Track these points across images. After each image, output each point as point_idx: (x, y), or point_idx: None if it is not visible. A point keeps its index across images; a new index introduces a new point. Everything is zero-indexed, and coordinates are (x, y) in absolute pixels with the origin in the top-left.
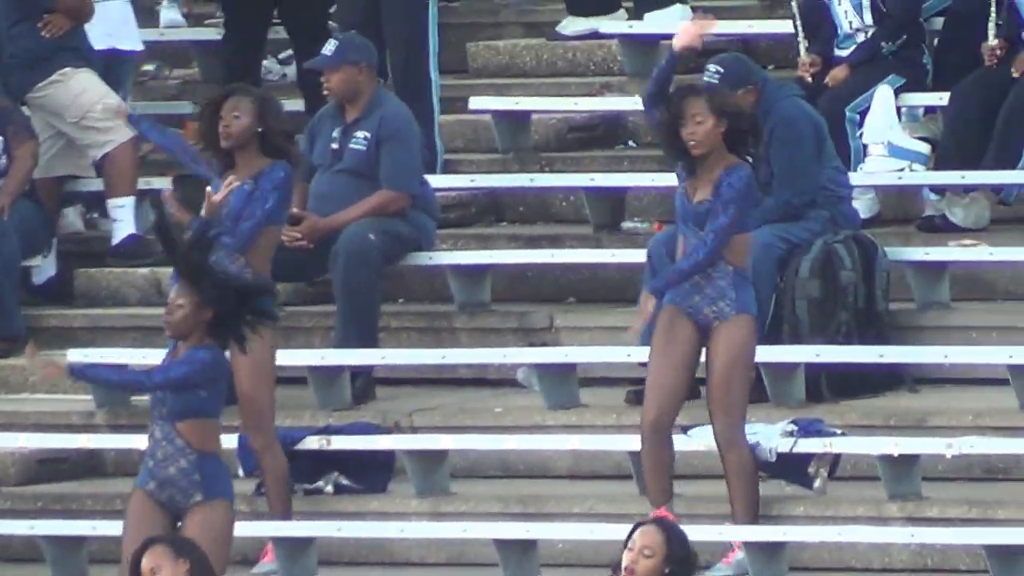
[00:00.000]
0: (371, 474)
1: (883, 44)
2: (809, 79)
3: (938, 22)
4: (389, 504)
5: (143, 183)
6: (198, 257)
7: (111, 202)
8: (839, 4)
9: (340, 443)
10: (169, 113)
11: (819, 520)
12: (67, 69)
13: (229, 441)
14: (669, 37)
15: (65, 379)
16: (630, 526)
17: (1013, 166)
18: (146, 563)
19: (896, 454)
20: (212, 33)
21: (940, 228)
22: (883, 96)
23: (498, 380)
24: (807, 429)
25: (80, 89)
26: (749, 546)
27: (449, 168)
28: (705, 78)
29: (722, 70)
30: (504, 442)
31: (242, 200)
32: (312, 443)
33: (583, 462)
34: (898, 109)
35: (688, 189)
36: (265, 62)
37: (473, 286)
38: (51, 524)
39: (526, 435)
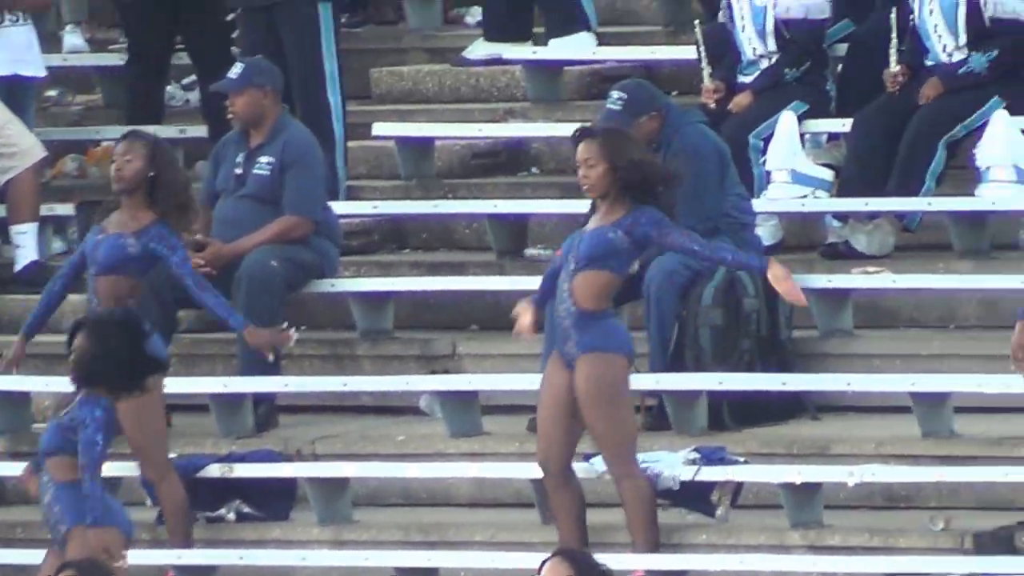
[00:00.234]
0: (273, 502)
1: (786, 70)
2: (713, 105)
3: (841, 48)
4: (291, 532)
5: (46, 209)
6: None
7: (14, 228)
8: (743, 31)
9: (242, 471)
10: (72, 139)
11: (721, 548)
12: None
13: (135, 469)
14: (572, 63)
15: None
16: (532, 554)
17: (916, 193)
18: None
19: (798, 482)
20: (115, 59)
21: (843, 255)
22: (786, 123)
23: (400, 408)
24: (710, 457)
25: None
26: (651, 575)
27: (352, 195)
28: (608, 104)
29: (625, 96)
30: (406, 470)
31: (117, 250)
32: (214, 471)
33: (485, 490)
34: (801, 136)
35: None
36: (168, 88)
37: (376, 313)
38: None
39: (428, 463)
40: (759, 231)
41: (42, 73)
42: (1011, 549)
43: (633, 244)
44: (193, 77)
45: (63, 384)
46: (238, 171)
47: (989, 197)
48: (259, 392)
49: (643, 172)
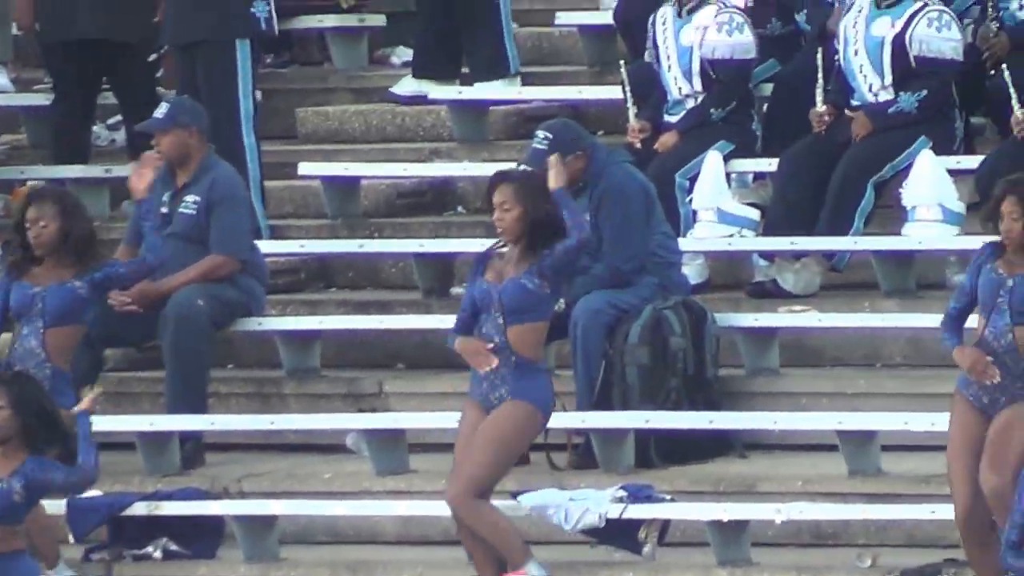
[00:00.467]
0: (200, 539)
1: (712, 110)
2: (639, 145)
3: (767, 88)
4: (218, 569)
5: None
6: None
7: None
8: (668, 70)
9: (169, 508)
10: None
11: None
12: None
13: (57, 507)
14: (498, 103)
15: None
16: None
17: (846, 233)
18: None
19: (725, 519)
20: (41, 98)
21: (770, 294)
22: (712, 162)
23: (327, 445)
24: (636, 495)
25: None
26: None
27: (278, 234)
28: (534, 144)
29: (551, 136)
30: (333, 508)
31: (68, 295)
32: (140, 508)
33: (412, 527)
34: (727, 175)
35: (489, 277)
36: (94, 127)
37: (302, 352)
38: None
39: (355, 500)
40: (685, 270)
41: None
42: None
43: (549, 285)
44: (119, 117)
45: None
46: (164, 210)
47: (916, 236)
48: (186, 430)
49: (553, 221)
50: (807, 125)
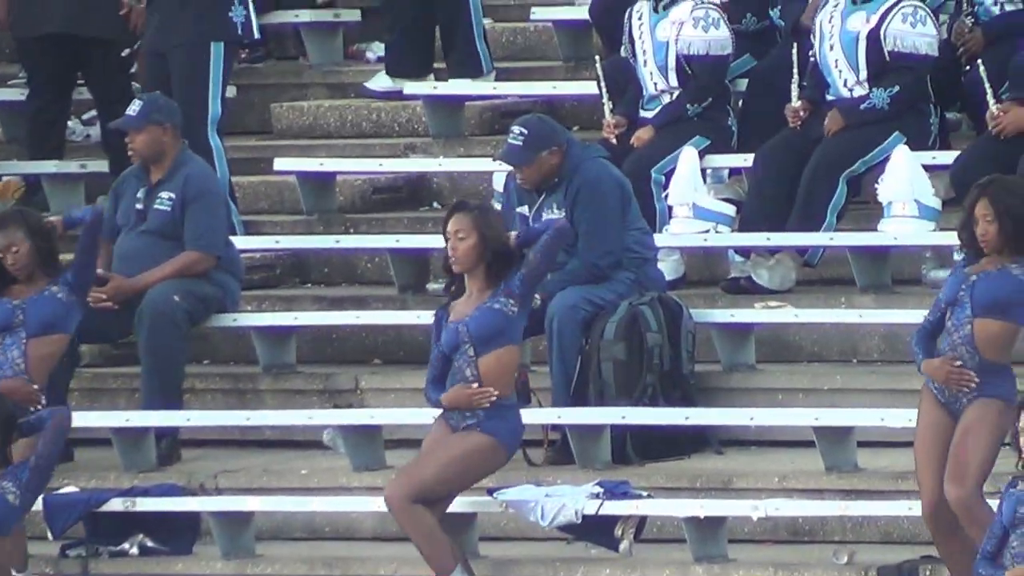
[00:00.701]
0: (176, 536)
1: (688, 106)
2: (614, 140)
3: (742, 84)
4: (194, 566)
5: None
6: None
7: None
8: (644, 65)
9: (145, 505)
10: None
11: None
12: None
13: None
14: (473, 99)
15: None
16: None
17: (818, 228)
18: None
19: (702, 516)
20: (15, 94)
21: (746, 290)
22: (688, 158)
23: (304, 442)
24: (613, 491)
25: None
26: None
27: (254, 229)
28: (509, 139)
29: (526, 131)
30: (310, 503)
31: (51, 302)
32: (117, 505)
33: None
34: (703, 171)
35: (449, 312)
36: (69, 123)
37: (278, 348)
38: None
39: (332, 496)
40: (661, 266)
41: None
42: None
43: (517, 303)
44: (93, 112)
45: None
46: (139, 206)
47: (891, 232)
48: (162, 426)
49: (508, 251)
50: (782, 121)
